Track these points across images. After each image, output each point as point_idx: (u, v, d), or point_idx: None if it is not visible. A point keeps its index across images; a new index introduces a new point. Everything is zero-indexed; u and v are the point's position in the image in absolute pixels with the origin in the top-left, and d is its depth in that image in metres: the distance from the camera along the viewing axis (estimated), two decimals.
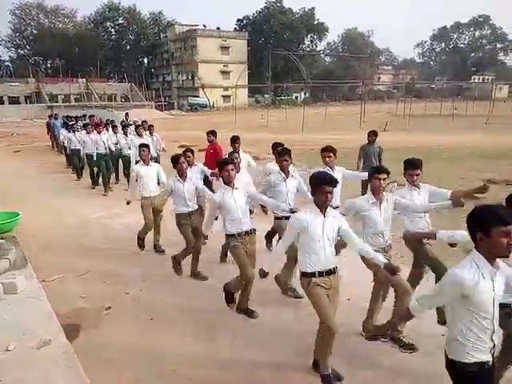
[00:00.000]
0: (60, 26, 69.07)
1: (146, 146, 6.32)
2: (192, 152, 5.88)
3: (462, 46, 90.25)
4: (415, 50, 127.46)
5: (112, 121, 13.50)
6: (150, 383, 3.45)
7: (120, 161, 11.12)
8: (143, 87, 58.51)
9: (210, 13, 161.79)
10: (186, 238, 5.31)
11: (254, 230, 4.46)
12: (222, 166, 4.27)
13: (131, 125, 12.98)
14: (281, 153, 4.96)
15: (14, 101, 48.88)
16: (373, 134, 7.94)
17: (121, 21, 70.64)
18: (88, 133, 10.78)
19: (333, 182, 3.17)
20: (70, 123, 14.15)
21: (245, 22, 73.52)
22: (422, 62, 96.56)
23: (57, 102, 49.36)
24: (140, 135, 9.95)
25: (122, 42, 70.99)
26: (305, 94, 62.94)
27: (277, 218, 4.94)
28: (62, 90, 51.84)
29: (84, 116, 18.31)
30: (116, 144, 10.74)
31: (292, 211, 3.96)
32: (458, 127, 24.87)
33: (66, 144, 13.23)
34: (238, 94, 46.60)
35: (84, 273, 5.50)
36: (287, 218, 3.96)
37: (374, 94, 71.64)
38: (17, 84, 51.39)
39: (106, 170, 10.54)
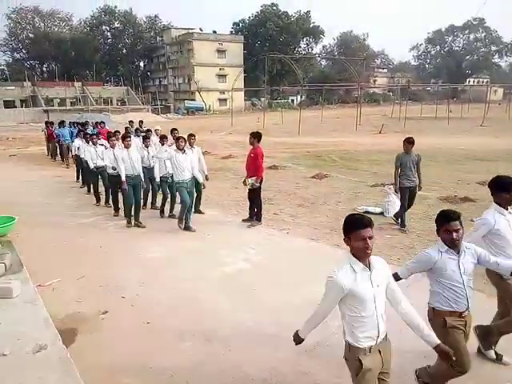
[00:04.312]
0: (56, 29, 69.19)
1: None
2: None
3: (456, 48, 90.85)
4: (410, 53, 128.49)
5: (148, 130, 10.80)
6: None
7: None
8: (139, 91, 58.61)
9: (206, 16, 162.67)
10: None
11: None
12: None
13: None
14: None
15: (9, 105, 48.83)
16: (408, 143, 7.05)
17: (117, 24, 70.75)
18: (113, 146, 8.16)
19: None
20: (87, 131, 11.95)
21: (241, 25, 73.83)
22: (418, 64, 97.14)
23: (53, 105, 49.32)
24: (162, 144, 7.95)
25: (118, 46, 71.00)
26: (301, 97, 63.00)
27: None
28: (57, 93, 51.75)
29: (86, 122, 15.56)
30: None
31: None
32: (453, 129, 24.99)
33: (75, 153, 11.44)
34: (234, 97, 46.63)
35: (80, 277, 5.47)
36: None
37: (370, 97, 71.99)
38: (12, 88, 51.31)
39: (134, 197, 7.74)
